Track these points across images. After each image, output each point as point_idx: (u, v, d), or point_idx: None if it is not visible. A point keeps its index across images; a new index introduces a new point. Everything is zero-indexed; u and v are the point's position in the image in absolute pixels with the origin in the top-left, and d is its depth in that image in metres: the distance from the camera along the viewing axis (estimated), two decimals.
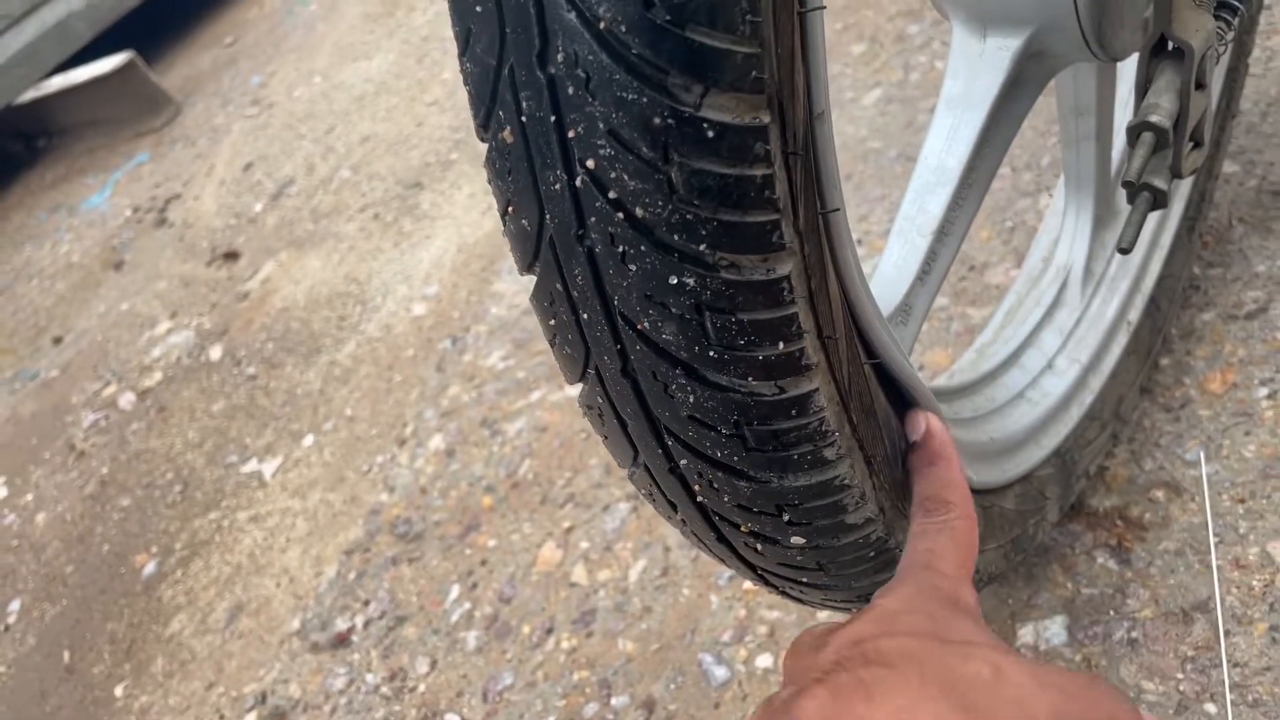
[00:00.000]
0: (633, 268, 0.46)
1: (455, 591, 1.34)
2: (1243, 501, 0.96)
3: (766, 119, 0.43)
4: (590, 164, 0.44)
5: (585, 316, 0.50)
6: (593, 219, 0.46)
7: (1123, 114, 1.11)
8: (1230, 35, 0.78)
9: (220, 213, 2.74)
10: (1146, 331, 1.05)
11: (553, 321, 0.52)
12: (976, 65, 0.76)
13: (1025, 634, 0.97)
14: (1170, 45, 0.74)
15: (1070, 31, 0.72)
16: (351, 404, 1.83)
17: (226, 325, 2.25)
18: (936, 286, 0.77)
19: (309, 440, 1.80)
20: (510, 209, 0.49)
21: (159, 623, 1.62)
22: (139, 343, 2.35)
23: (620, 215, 0.45)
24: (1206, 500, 0.97)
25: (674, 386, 0.51)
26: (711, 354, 0.49)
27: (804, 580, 0.65)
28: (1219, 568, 0.92)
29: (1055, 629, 0.95)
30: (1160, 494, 1.00)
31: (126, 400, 2.17)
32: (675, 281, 0.46)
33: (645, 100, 0.42)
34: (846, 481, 0.57)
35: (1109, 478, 1.04)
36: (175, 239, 2.74)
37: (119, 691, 1.54)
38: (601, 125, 0.43)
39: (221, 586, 1.61)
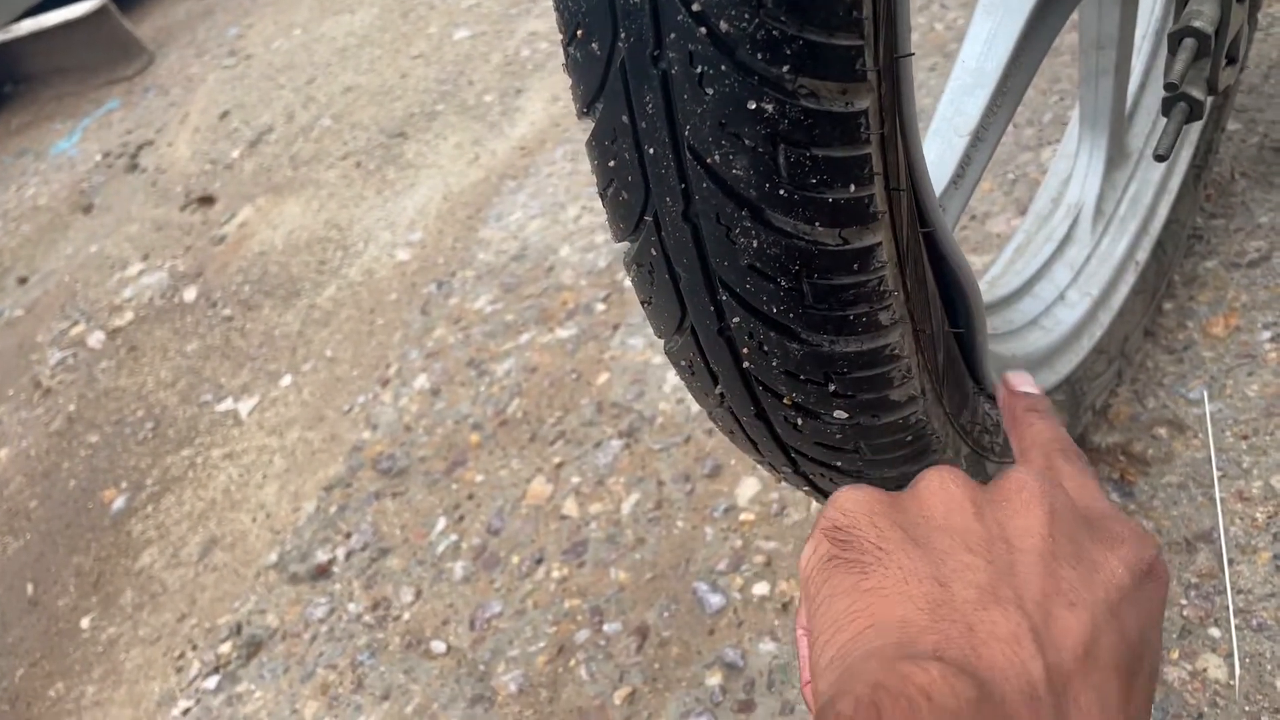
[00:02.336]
0: (709, 91, 0.45)
1: (441, 524, 1.32)
2: (1246, 438, 0.96)
3: None
4: None
5: (651, 152, 0.49)
6: (672, 35, 0.44)
7: (1135, 59, 1.11)
8: None
9: (195, 159, 2.68)
10: (1152, 273, 1.06)
11: (612, 163, 0.51)
12: None
13: None
14: None
15: None
16: (332, 345, 1.79)
17: (201, 268, 2.20)
18: (969, 193, 0.76)
19: (287, 380, 1.77)
20: (579, 32, 0.47)
21: (128, 556, 1.58)
22: (109, 283, 2.30)
23: (703, 30, 0.44)
24: (1210, 435, 0.97)
25: (737, 231, 0.49)
26: (781, 193, 0.48)
27: (837, 465, 0.64)
28: (1222, 500, 0.93)
29: None
30: (1163, 431, 1.01)
31: (96, 339, 2.12)
32: (753, 107, 0.45)
33: None
34: (896, 351, 0.56)
35: (1112, 415, 1.04)
36: (147, 184, 2.68)
37: (85, 623, 1.50)
38: None
39: (194, 521, 1.58)
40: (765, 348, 0.55)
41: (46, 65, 3.62)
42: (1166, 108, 0.74)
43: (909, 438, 0.62)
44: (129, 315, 2.15)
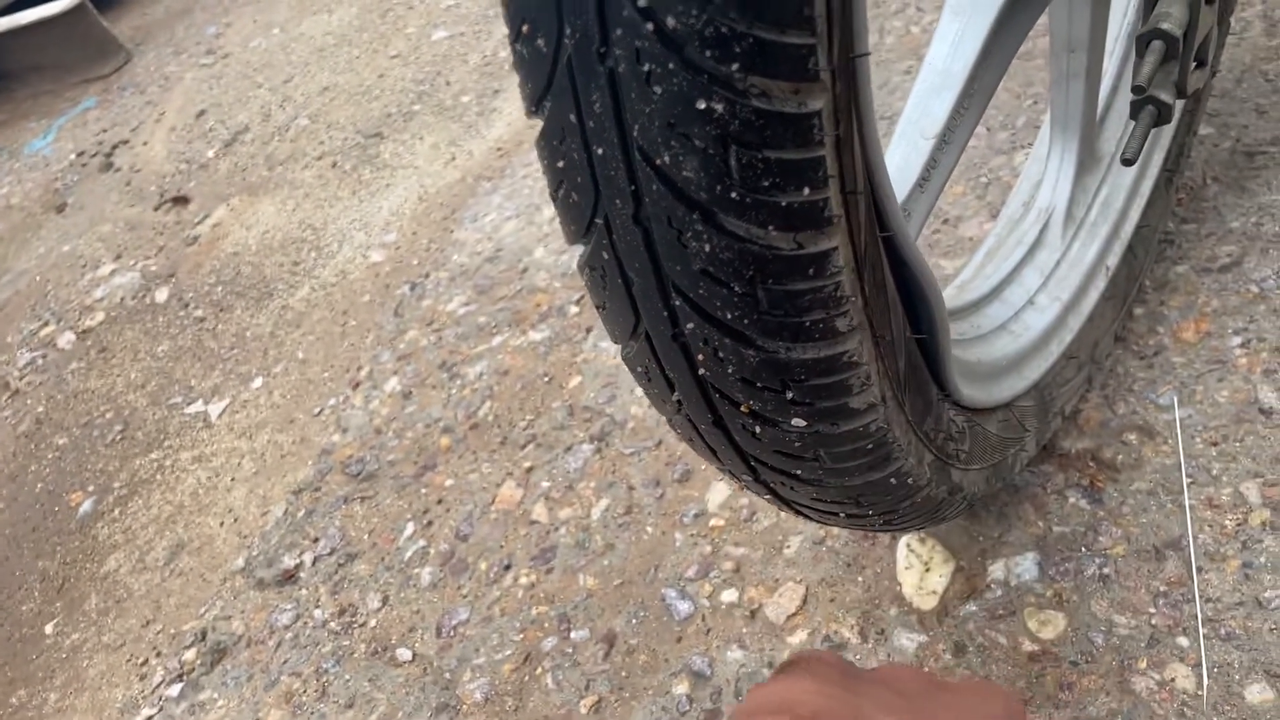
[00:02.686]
0: (658, 90, 0.44)
1: (410, 529, 1.31)
2: (1216, 444, 0.96)
3: None
4: None
5: (599, 152, 0.47)
6: (618, 31, 0.43)
7: (1108, 62, 1.11)
8: None
9: (170, 158, 2.65)
10: (1123, 278, 1.05)
11: (561, 163, 0.50)
12: None
13: (996, 570, 0.96)
14: None
15: None
16: (304, 347, 1.77)
17: (174, 268, 2.17)
18: (935, 196, 0.75)
19: (258, 382, 1.75)
20: (525, 28, 0.46)
21: (94, 561, 1.55)
22: (81, 284, 2.27)
23: (650, 26, 0.42)
24: (1179, 441, 0.97)
25: (689, 234, 0.48)
26: (733, 195, 0.46)
27: (797, 473, 0.63)
28: (1192, 507, 0.92)
29: (1027, 565, 0.94)
30: (1133, 437, 1.00)
31: (66, 340, 2.09)
32: (703, 107, 0.44)
33: None
34: (854, 358, 0.55)
35: (1081, 421, 1.03)
36: (122, 183, 2.65)
37: (49, 629, 1.48)
38: None
39: (161, 525, 1.55)
40: (720, 354, 0.54)
41: (22, 63, 3.58)
42: (1134, 111, 0.74)
43: (870, 445, 0.61)
44: (100, 316, 2.12)
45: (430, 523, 1.30)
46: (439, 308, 1.69)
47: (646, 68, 0.43)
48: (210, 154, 2.58)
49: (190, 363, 1.88)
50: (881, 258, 0.57)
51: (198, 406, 1.76)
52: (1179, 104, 0.87)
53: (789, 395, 0.56)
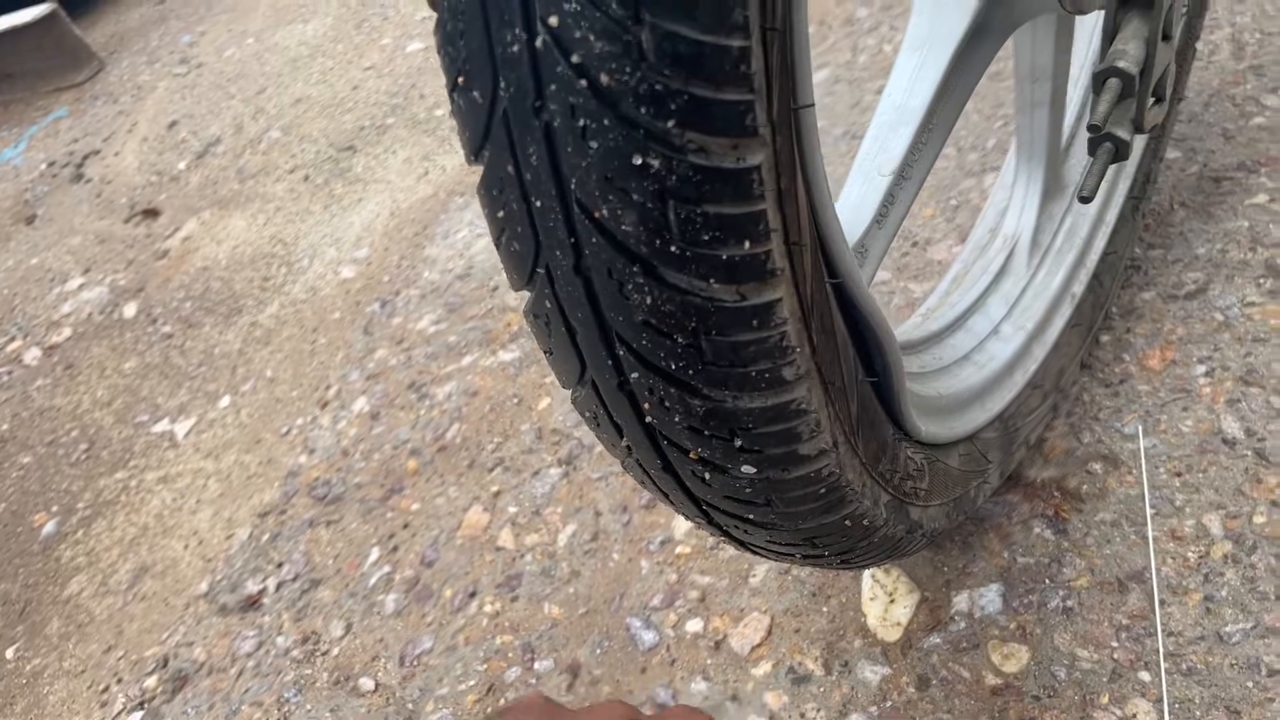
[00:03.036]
0: (594, 144, 0.43)
1: (375, 554, 1.29)
2: (1179, 475, 0.95)
3: None
4: (553, 21, 0.40)
5: (538, 204, 0.46)
6: (553, 87, 0.42)
7: (1074, 90, 1.11)
8: None
9: (141, 170, 2.63)
10: (1089, 306, 1.05)
11: (501, 213, 0.49)
12: (942, 5, 0.74)
13: (960, 602, 0.95)
14: None
15: None
16: (272, 365, 1.76)
17: (143, 283, 2.15)
18: (893, 232, 0.75)
19: (225, 401, 1.73)
20: (461, 79, 0.45)
21: (56, 584, 1.53)
22: (48, 298, 2.24)
23: (583, 83, 0.41)
24: (1144, 473, 0.96)
25: (630, 286, 0.47)
26: (673, 249, 0.46)
27: (750, 517, 0.62)
28: (1155, 539, 0.92)
29: (990, 597, 0.94)
30: (1098, 466, 1.00)
31: (32, 356, 2.06)
32: (639, 162, 0.43)
33: None
34: (803, 406, 0.54)
35: (1047, 449, 1.03)
36: (92, 195, 2.62)
37: (10, 654, 1.45)
38: None
39: (125, 548, 1.53)
40: (666, 403, 0.53)
41: None
42: (1092, 148, 0.73)
43: (822, 490, 0.61)
44: (67, 331, 2.09)
45: (395, 548, 1.29)
46: (409, 326, 1.68)
47: (582, 123, 0.42)
48: (181, 166, 2.55)
49: (157, 380, 1.85)
50: (830, 305, 0.56)
51: (164, 425, 1.74)
52: (1138, 139, 0.87)
53: (737, 443, 0.55)
